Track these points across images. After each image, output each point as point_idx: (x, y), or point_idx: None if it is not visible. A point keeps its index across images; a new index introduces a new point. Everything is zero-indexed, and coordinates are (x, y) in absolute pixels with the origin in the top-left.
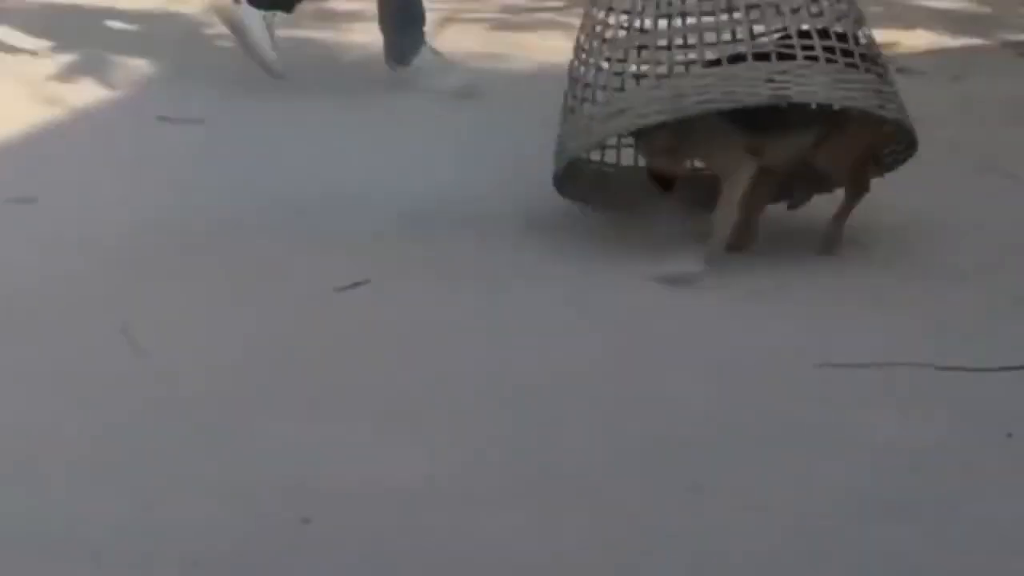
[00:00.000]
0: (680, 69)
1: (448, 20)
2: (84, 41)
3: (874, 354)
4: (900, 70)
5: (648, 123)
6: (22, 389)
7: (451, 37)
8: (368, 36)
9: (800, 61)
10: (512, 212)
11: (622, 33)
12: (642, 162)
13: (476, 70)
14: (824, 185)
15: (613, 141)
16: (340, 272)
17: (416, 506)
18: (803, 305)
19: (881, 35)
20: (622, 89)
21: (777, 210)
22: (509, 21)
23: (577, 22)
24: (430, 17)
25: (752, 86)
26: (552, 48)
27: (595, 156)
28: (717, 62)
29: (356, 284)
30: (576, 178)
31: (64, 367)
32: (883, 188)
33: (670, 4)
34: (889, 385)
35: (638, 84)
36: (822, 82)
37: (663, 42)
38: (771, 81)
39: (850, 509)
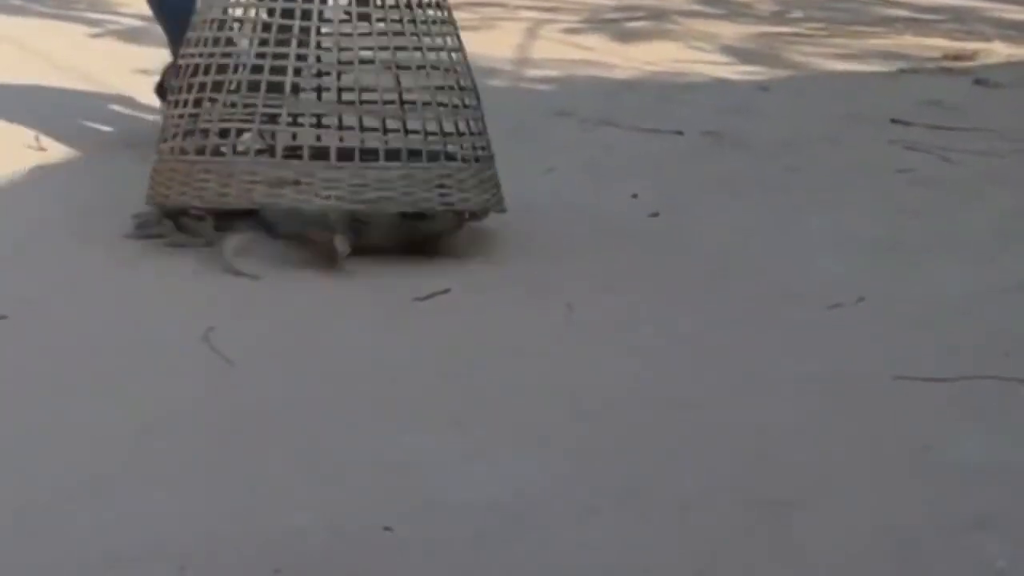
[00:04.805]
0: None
1: (532, 28)
2: None
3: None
4: (978, 82)
5: (325, 206)
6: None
7: (537, 46)
8: None
9: (459, 163)
10: (589, 225)
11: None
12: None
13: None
14: None
15: None
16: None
17: (499, 517)
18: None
19: (959, 47)
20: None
21: None
22: (595, 30)
23: (671, 28)
24: (517, 27)
25: (427, 191)
26: (639, 57)
27: None
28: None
29: (435, 294)
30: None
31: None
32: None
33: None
34: (973, 399)
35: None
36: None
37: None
38: (441, 186)
39: (939, 522)
